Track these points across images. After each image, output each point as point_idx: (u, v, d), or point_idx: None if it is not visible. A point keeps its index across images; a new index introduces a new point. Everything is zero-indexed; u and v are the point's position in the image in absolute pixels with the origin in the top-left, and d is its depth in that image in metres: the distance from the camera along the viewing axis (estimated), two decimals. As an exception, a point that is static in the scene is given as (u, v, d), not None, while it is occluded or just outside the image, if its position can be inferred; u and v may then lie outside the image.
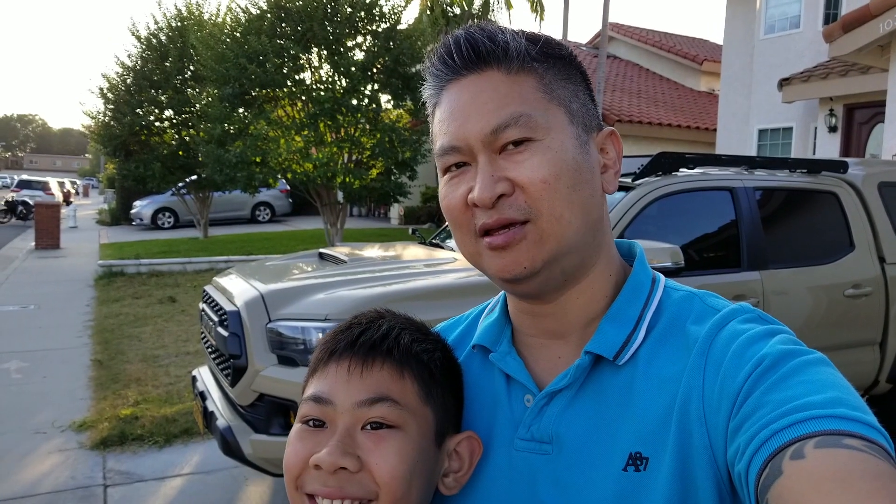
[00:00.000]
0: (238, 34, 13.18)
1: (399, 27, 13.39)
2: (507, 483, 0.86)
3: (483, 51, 0.81)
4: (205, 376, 4.15)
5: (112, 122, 18.09)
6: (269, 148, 12.67)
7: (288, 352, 3.27)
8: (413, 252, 4.77)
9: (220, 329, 3.59)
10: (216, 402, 3.71)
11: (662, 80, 21.62)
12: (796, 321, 4.12)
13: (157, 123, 18.44)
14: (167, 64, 17.82)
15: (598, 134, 0.87)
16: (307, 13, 12.67)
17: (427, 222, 20.92)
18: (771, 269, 4.16)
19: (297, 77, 13.12)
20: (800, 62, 13.21)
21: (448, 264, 4.03)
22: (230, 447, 3.32)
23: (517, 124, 0.78)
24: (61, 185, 39.76)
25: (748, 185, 4.27)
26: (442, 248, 4.70)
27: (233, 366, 3.42)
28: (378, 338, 0.84)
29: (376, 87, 13.27)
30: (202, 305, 4.24)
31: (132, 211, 23.74)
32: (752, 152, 14.36)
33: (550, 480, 0.83)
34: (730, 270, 4.14)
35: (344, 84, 12.87)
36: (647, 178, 4.06)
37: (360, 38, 13.47)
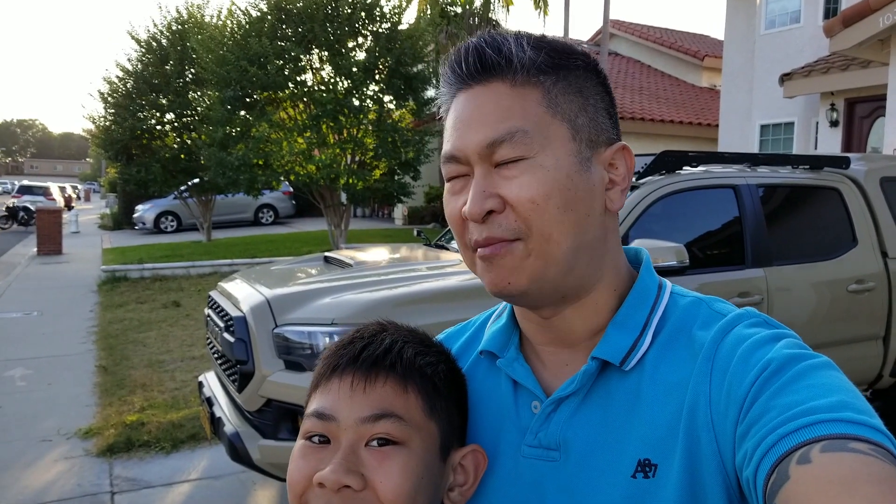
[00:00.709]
0: (239, 36, 13.20)
1: (400, 27, 13.40)
2: (515, 490, 0.86)
3: (489, 62, 0.80)
4: (211, 382, 4.15)
5: (113, 126, 18.10)
6: (271, 150, 12.69)
7: (295, 356, 3.27)
8: (418, 254, 4.78)
9: (226, 335, 3.60)
10: (223, 407, 3.72)
11: (664, 77, 21.60)
12: (800, 317, 4.13)
13: (158, 127, 18.44)
14: (168, 67, 17.83)
15: (606, 149, 0.84)
16: (308, 14, 12.68)
17: (431, 222, 20.92)
18: (775, 266, 4.16)
19: (298, 79, 13.13)
20: (801, 57, 13.20)
21: (453, 266, 4.03)
22: (238, 453, 3.33)
23: (512, 140, 0.78)
24: (62, 189, 39.77)
25: (751, 182, 4.28)
26: (447, 249, 4.71)
27: (240, 371, 3.42)
28: (381, 352, 0.83)
29: (378, 87, 13.28)
30: (208, 311, 4.25)
31: (134, 215, 23.77)
32: (754, 148, 14.35)
33: (558, 487, 0.83)
34: (734, 268, 4.14)
35: (346, 85, 12.88)
36: (650, 177, 4.06)
37: (360, 39, 13.47)
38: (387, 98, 13.52)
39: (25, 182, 38.18)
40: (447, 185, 0.85)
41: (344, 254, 4.79)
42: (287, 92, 12.97)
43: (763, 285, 4.07)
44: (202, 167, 16.70)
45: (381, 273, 3.97)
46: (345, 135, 12.99)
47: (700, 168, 4.27)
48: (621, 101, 17.53)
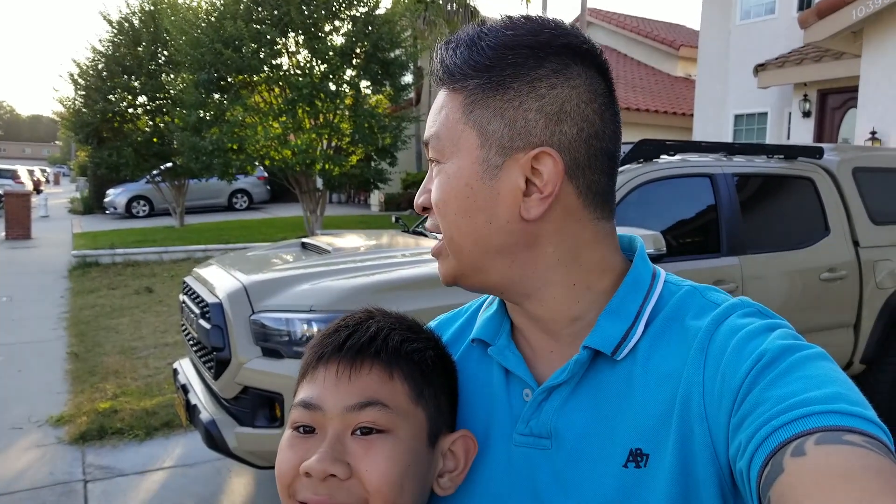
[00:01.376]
0: (213, 18, 13.03)
1: (377, 12, 13.29)
2: (506, 478, 0.85)
3: (440, 68, 0.84)
4: (186, 369, 4.11)
5: (83, 109, 17.80)
6: (246, 135, 12.57)
7: (272, 344, 3.25)
8: (396, 241, 4.76)
9: (202, 321, 3.56)
10: (199, 395, 3.69)
11: (640, 66, 21.68)
12: (773, 305, 4.14)
13: (130, 110, 18.15)
14: (140, 49, 17.53)
15: (523, 155, 0.79)
16: (284, -3, 12.54)
17: (408, 209, 20.86)
18: (749, 255, 4.20)
19: (273, 62, 12.99)
20: (775, 48, 13.32)
21: (431, 253, 4.02)
22: (215, 441, 3.30)
23: (430, 145, 0.84)
24: (31, 173, 39.09)
25: (727, 171, 4.31)
26: (425, 236, 4.70)
27: (216, 358, 3.39)
28: (366, 340, 0.82)
29: (355, 72, 13.19)
30: (183, 297, 4.20)
31: (105, 199, 23.43)
32: (728, 137, 14.49)
33: (549, 476, 0.82)
34: (709, 256, 4.18)
35: (322, 69, 12.77)
36: (628, 166, 4.08)
37: (337, 23, 13.36)
38: (363, 83, 13.44)
39: (-7, 165, 37.45)
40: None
41: (322, 240, 4.76)
42: (262, 76, 12.85)
43: (738, 273, 4.11)
44: (175, 151, 16.52)
45: (359, 260, 3.95)
46: (321, 120, 12.89)
47: (677, 157, 4.30)
48: (597, 90, 17.55)
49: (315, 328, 3.17)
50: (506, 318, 0.93)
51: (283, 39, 12.91)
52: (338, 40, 13.14)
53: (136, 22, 17.77)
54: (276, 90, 13.13)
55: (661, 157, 4.22)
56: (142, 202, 22.73)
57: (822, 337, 4.35)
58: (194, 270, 4.31)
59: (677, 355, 0.79)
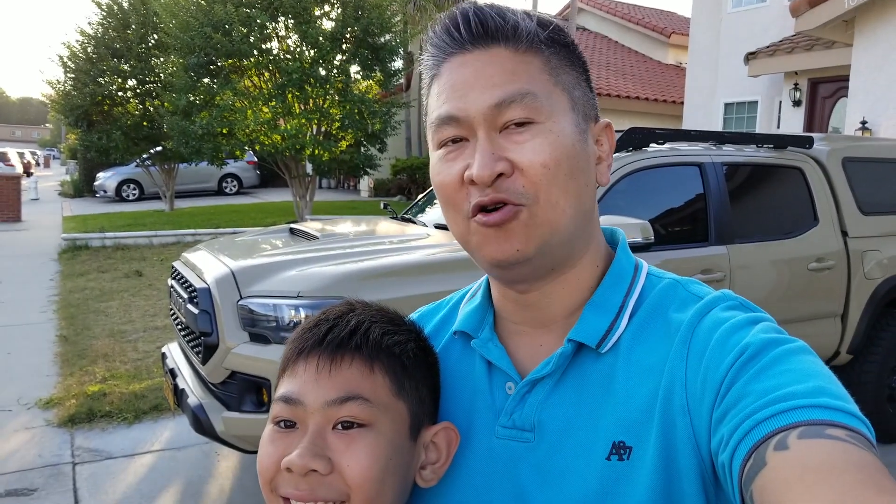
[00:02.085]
0: (203, 2, 12.91)
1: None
2: (488, 471, 0.85)
3: (492, 27, 0.79)
4: (174, 353, 4.11)
5: (73, 92, 17.64)
6: (235, 119, 12.50)
7: (260, 329, 3.25)
8: (385, 227, 4.75)
9: (190, 306, 3.56)
10: (187, 379, 3.69)
11: (630, 53, 21.65)
12: (761, 294, 4.20)
13: (119, 93, 17.99)
14: (129, 32, 17.37)
15: (594, 125, 0.86)
16: (274, -19, 12.45)
17: (397, 195, 20.83)
18: (737, 244, 4.22)
19: (263, 47, 12.91)
20: (766, 36, 13.31)
21: (420, 240, 4.02)
22: (202, 425, 3.31)
23: (522, 102, 0.77)
24: (21, 155, 38.84)
25: (716, 160, 4.32)
26: (414, 223, 4.70)
27: (203, 343, 3.39)
28: (346, 334, 0.82)
29: (345, 57, 13.12)
30: (171, 282, 4.20)
31: (96, 183, 23.34)
32: (718, 126, 14.49)
33: (532, 468, 0.82)
34: (697, 245, 4.19)
35: (312, 54, 12.70)
36: (617, 154, 4.08)
37: (327, 7, 13.27)
38: (353, 68, 13.37)
39: (-19, 147, 37.16)
40: (439, 152, 0.82)
41: (310, 226, 4.75)
42: (252, 60, 12.76)
43: (725, 262, 4.13)
44: (165, 135, 16.40)
45: (348, 246, 3.94)
46: (310, 105, 12.84)
47: (666, 145, 4.30)
48: (589, 77, 17.53)
49: (303, 314, 3.17)
50: (489, 311, 0.93)
51: (273, 24, 12.83)
52: (328, 25, 13.07)
53: (125, 4, 17.59)
54: (266, 75, 13.06)
55: (651, 145, 4.22)
56: (132, 186, 22.63)
57: (810, 327, 4.38)
58: (183, 255, 4.30)
59: (660, 348, 0.79)
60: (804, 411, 0.62)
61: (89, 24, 17.83)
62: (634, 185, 4.06)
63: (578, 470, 0.79)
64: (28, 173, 35.48)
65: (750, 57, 12.74)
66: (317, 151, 12.62)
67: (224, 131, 12.85)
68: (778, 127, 13.13)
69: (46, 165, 57.38)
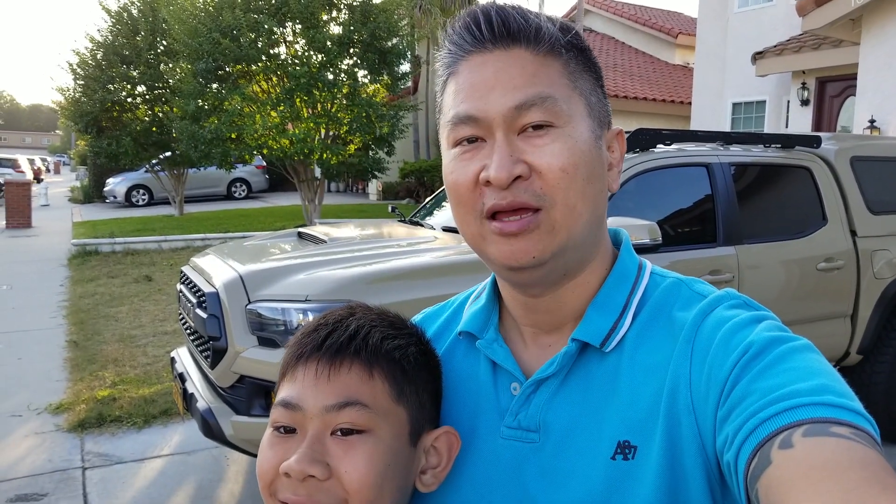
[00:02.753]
0: (211, 8, 12.98)
1: (374, 0, 13.24)
2: (493, 471, 0.85)
3: (514, 27, 0.79)
4: (183, 357, 4.13)
5: (83, 98, 17.75)
6: (244, 124, 12.54)
7: (268, 333, 3.26)
8: (393, 231, 4.76)
9: (198, 311, 3.57)
10: (196, 383, 3.70)
11: (638, 54, 21.61)
12: (770, 295, 4.18)
13: (129, 99, 18.10)
14: (138, 38, 17.48)
15: (607, 131, 0.86)
16: (281, -14, 12.48)
17: (406, 198, 20.85)
18: (746, 244, 4.20)
19: (271, 52, 12.95)
20: (773, 35, 13.27)
21: (428, 243, 4.03)
22: (211, 429, 3.32)
23: (542, 105, 0.76)
24: (31, 162, 39.05)
25: (724, 160, 4.30)
26: (422, 226, 4.70)
27: (212, 347, 3.40)
28: (345, 339, 0.82)
29: (353, 61, 13.15)
30: (180, 287, 4.21)
31: (105, 188, 23.42)
32: (726, 126, 14.45)
33: (537, 469, 0.82)
34: (706, 246, 4.17)
35: (320, 59, 12.73)
36: (625, 155, 4.07)
37: (335, 12, 13.30)
38: (361, 72, 13.40)
39: (-8, 154, 37.35)
40: (454, 151, 0.81)
41: (318, 229, 4.76)
42: (260, 65, 12.81)
43: (734, 263, 4.12)
44: (174, 140, 16.47)
45: (355, 249, 3.95)
46: (318, 109, 12.87)
47: (673, 146, 4.29)
48: (596, 78, 17.51)
49: (311, 317, 3.18)
50: (494, 311, 0.93)
51: (281, 29, 12.88)
52: (335, 29, 13.10)
53: (134, 12, 17.69)
54: (274, 79, 13.10)
55: (658, 146, 4.21)
56: (141, 191, 22.72)
57: (819, 328, 4.35)
58: (192, 260, 4.31)
59: (664, 347, 0.79)
60: (808, 409, 0.62)
61: (98, 30, 17.96)
62: (642, 186, 4.05)
63: (583, 470, 0.79)
64: (38, 179, 35.67)
65: (757, 56, 12.71)
66: (325, 155, 12.64)
67: (233, 136, 12.89)
68: (786, 126, 13.07)
69: (57, 171, 57.66)
